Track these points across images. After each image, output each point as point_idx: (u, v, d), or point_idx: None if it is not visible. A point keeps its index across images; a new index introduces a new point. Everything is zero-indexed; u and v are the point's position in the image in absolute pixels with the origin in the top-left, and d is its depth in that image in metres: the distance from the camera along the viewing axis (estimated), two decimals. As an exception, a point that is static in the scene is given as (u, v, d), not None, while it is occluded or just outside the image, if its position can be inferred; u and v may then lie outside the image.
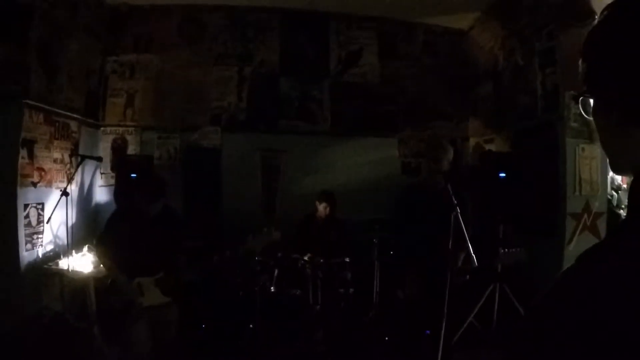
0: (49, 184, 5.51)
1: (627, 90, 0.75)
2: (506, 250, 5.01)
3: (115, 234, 4.02)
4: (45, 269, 5.24)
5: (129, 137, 6.90)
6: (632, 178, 0.76)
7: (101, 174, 6.82)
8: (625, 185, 6.81)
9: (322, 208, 5.98)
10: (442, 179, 4.20)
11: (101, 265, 5.09)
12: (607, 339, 0.62)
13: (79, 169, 6.02)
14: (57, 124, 5.66)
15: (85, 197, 6.49)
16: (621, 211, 6.03)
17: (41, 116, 5.34)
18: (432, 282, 4.07)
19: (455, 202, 3.68)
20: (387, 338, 5.29)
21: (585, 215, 5.15)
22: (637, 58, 0.74)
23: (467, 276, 3.66)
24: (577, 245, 5.06)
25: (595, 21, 0.84)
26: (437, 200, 4.08)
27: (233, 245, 4.13)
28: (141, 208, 4.06)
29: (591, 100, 0.85)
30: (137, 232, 3.93)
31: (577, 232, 5.12)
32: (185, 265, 4.04)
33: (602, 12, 0.82)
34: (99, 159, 6.41)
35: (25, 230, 5.10)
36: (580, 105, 0.88)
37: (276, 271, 5.54)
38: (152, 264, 3.89)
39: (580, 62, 0.86)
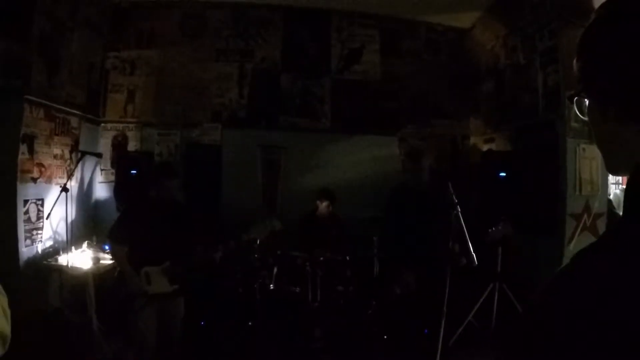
0: (49, 180, 5.51)
1: (624, 85, 0.75)
2: (492, 229, 5.09)
3: (127, 225, 4.07)
4: (44, 264, 5.24)
5: (129, 134, 6.90)
6: (628, 178, 0.75)
7: (101, 170, 6.81)
8: (624, 185, 6.82)
9: (324, 207, 5.97)
10: (426, 176, 4.25)
11: (109, 257, 5.17)
12: (601, 338, 0.62)
13: (79, 165, 6.01)
14: (57, 120, 5.65)
15: (85, 193, 6.49)
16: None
17: (41, 112, 5.33)
18: (428, 276, 4.08)
19: (456, 200, 3.69)
20: (385, 336, 5.29)
21: (585, 216, 5.15)
22: (632, 53, 0.74)
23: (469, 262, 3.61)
24: (577, 245, 5.05)
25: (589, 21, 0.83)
26: (422, 198, 4.11)
27: (237, 237, 4.21)
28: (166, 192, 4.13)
29: (586, 101, 0.85)
30: (149, 222, 3.99)
31: (577, 232, 5.12)
32: (197, 254, 4.11)
33: (595, 11, 0.82)
34: (99, 155, 6.40)
35: (24, 226, 5.11)
36: (575, 106, 0.88)
37: (275, 268, 5.54)
38: (161, 253, 3.94)
39: (575, 62, 0.86)
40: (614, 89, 0.77)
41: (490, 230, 5.06)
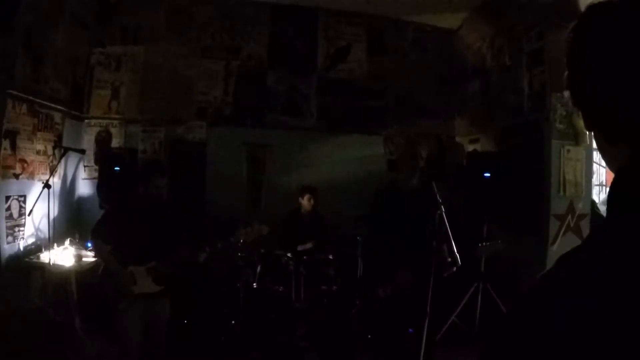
0: (31, 176, 5.43)
1: (595, 110, 0.78)
2: (484, 244, 5.18)
3: (112, 223, 4.01)
4: (26, 262, 5.17)
5: (113, 130, 6.82)
6: (611, 183, 0.77)
7: (84, 166, 6.72)
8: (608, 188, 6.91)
9: (306, 201, 5.98)
10: (418, 175, 4.27)
11: (92, 255, 5.12)
12: (581, 340, 0.63)
13: (62, 161, 5.95)
14: (40, 115, 5.57)
15: (67, 189, 6.41)
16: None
17: (24, 107, 5.24)
18: (416, 278, 4.08)
19: (440, 200, 3.69)
20: (369, 335, 5.30)
21: (569, 216, 5.18)
22: (596, 76, 0.76)
23: (454, 268, 3.63)
24: (560, 245, 5.09)
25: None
26: (413, 197, 4.12)
27: (223, 237, 4.19)
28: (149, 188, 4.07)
29: None
30: (135, 221, 3.95)
31: (561, 233, 5.15)
32: (183, 254, 4.09)
33: (571, 30, 0.82)
34: (83, 152, 6.33)
35: (6, 222, 5.02)
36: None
37: (259, 267, 5.52)
38: (146, 252, 3.91)
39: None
40: (590, 112, 0.80)
41: (480, 245, 5.11)
